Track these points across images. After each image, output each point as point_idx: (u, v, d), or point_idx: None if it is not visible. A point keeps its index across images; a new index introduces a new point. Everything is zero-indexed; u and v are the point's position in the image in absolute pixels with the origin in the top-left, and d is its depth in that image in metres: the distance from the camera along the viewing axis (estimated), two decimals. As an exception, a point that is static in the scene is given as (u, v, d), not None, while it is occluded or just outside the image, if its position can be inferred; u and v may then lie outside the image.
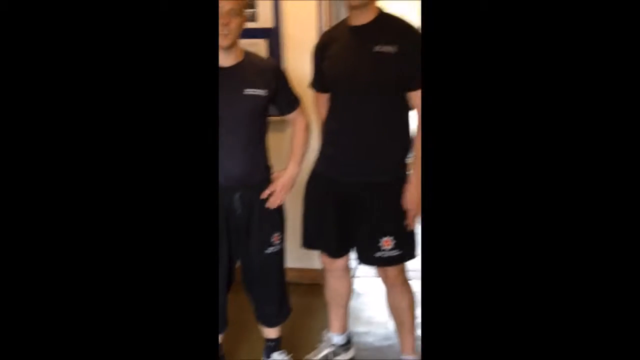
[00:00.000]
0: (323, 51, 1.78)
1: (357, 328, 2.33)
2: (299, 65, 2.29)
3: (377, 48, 1.62)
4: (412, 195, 1.68)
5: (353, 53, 1.69)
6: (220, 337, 1.88)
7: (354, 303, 2.40)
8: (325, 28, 2.33)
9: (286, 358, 1.96)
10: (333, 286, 1.99)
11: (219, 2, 1.53)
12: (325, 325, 2.13)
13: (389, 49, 1.61)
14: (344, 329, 2.09)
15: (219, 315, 1.80)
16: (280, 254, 1.83)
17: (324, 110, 1.85)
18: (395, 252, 1.73)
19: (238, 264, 1.83)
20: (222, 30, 1.55)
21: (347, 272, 1.99)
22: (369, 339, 2.26)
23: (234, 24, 1.57)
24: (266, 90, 1.68)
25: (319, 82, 1.85)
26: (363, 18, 1.67)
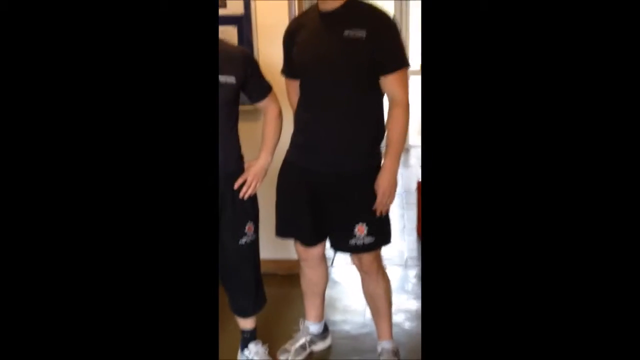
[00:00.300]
0: (292, 37, 1.75)
1: (333, 317, 2.32)
2: (271, 52, 2.25)
3: (347, 33, 1.59)
4: (384, 181, 1.67)
5: (322, 38, 1.66)
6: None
7: (330, 292, 2.39)
8: (297, 15, 2.29)
9: (262, 348, 1.94)
10: (308, 275, 1.98)
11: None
12: (301, 315, 2.12)
13: (359, 33, 1.59)
14: (321, 317, 2.09)
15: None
16: (254, 245, 1.81)
17: (295, 98, 1.82)
18: (369, 239, 1.73)
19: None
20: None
21: (323, 260, 1.98)
22: (346, 327, 2.26)
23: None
24: (236, 78, 1.65)
25: (290, 69, 1.82)
26: (332, 4, 1.64)
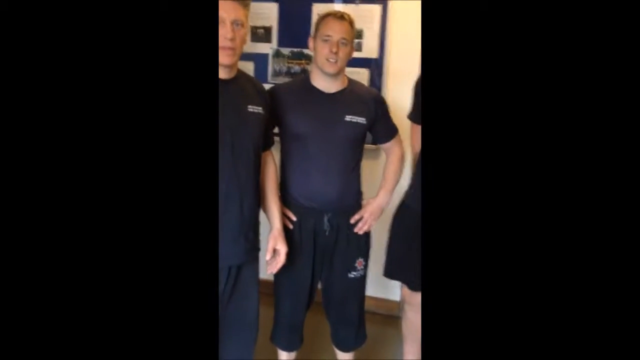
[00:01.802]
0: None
1: (430, 366, 2.27)
2: (399, 95, 2.32)
3: None
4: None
5: None
6: (294, 355, 1.91)
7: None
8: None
9: (356, 385, 1.95)
10: (411, 319, 1.97)
11: (331, 32, 1.61)
12: (397, 358, 2.10)
13: None
14: (418, 365, 2.05)
15: (296, 333, 1.85)
16: (362, 280, 1.84)
17: (418, 142, 1.86)
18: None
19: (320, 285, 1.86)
20: (330, 58, 1.62)
21: (427, 307, 1.96)
22: (442, 380, 2.19)
23: (343, 53, 1.63)
24: (366, 118, 1.72)
25: (417, 114, 1.87)
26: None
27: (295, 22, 2.53)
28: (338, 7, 2.45)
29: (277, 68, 2.61)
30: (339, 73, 1.68)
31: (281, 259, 1.63)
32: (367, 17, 2.44)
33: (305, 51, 2.53)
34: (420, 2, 2.40)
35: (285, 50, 2.60)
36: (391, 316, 2.56)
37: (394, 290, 1.98)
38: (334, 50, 1.61)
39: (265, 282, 1.75)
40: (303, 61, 2.56)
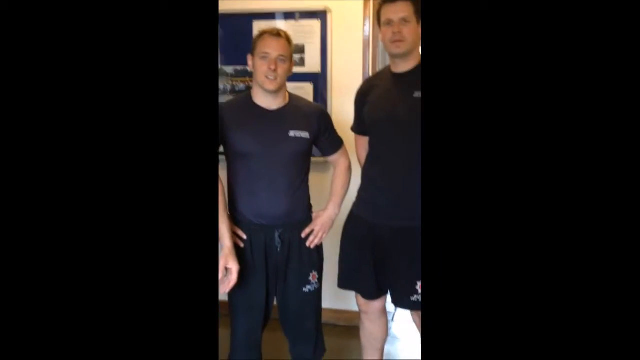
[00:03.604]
0: (365, 96, 1.84)
1: (392, 373, 2.29)
2: (344, 108, 2.36)
3: (417, 94, 1.66)
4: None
5: (393, 99, 1.74)
6: (254, 373, 1.89)
7: (390, 348, 2.37)
8: (371, 74, 2.40)
9: (318, 399, 1.94)
10: (368, 329, 1.98)
11: (268, 49, 1.63)
12: (359, 369, 2.11)
13: None
14: (378, 373, 2.06)
15: (254, 351, 1.83)
16: (317, 293, 1.84)
17: (364, 153, 1.89)
18: (431, 297, 1.72)
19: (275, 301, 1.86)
20: (269, 75, 1.64)
21: (384, 314, 1.98)
22: (404, 386, 2.22)
23: (282, 69, 1.65)
24: (310, 133, 1.74)
25: (360, 126, 1.90)
26: (405, 66, 1.73)
27: (238, 40, 2.54)
28: (279, 23, 2.47)
29: (221, 86, 2.61)
30: (279, 90, 1.69)
31: (233, 277, 1.62)
32: (307, 32, 2.48)
33: (250, 69, 2.54)
34: (359, 15, 2.47)
35: (229, 69, 2.60)
36: (352, 327, 2.57)
37: (354, 301, 1.99)
38: (273, 67, 1.62)
39: (220, 303, 1.72)
40: (247, 79, 2.57)
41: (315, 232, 1.79)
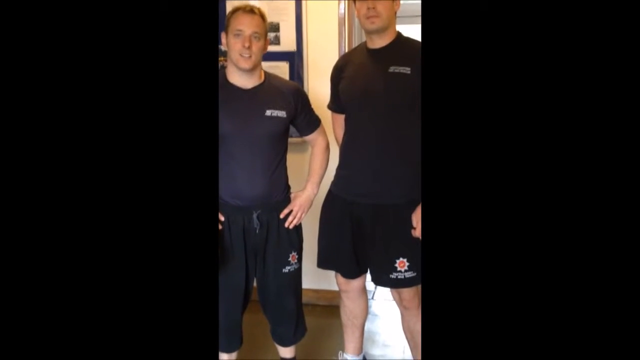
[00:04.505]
0: (340, 73, 1.82)
1: (372, 350, 2.31)
2: (320, 87, 2.33)
3: (392, 69, 1.65)
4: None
5: (368, 74, 1.72)
6: (235, 355, 1.89)
7: (370, 325, 2.39)
8: (346, 52, 2.37)
9: (300, 378, 1.95)
10: (348, 307, 1.99)
11: (242, 26, 1.59)
12: (340, 347, 2.12)
13: (404, 69, 1.64)
14: (359, 350, 2.08)
15: (234, 334, 1.82)
16: (297, 274, 1.84)
17: (341, 132, 1.88)
18: (410, 274, 1.73)
19: (255, 282, 1.85)
20: (243, 53, 1.60)
21: (363, 293, 1.99)
22: (385, 362, 2.24)
23: (256, 47, 1.62)
24: (287, 112, 1.72)
25: (336, 103, 1.88)
26: (380, 42, 1.71)
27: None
28: (253, 2, 2.42)
29: (196, 67, 2.55)
30: (254, 68, 1.66)
31: None
32: (282, 10, 2.43)
33: (224, 48, 2.49)
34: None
35: (203, 48, 2.54)
36: (332, 306, 2.58)
37: (334, 281, 1.99)
38: (247, 45, 1.59)
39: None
40: (222, 58, 2.52)
41: (293, 213, 1.78)
